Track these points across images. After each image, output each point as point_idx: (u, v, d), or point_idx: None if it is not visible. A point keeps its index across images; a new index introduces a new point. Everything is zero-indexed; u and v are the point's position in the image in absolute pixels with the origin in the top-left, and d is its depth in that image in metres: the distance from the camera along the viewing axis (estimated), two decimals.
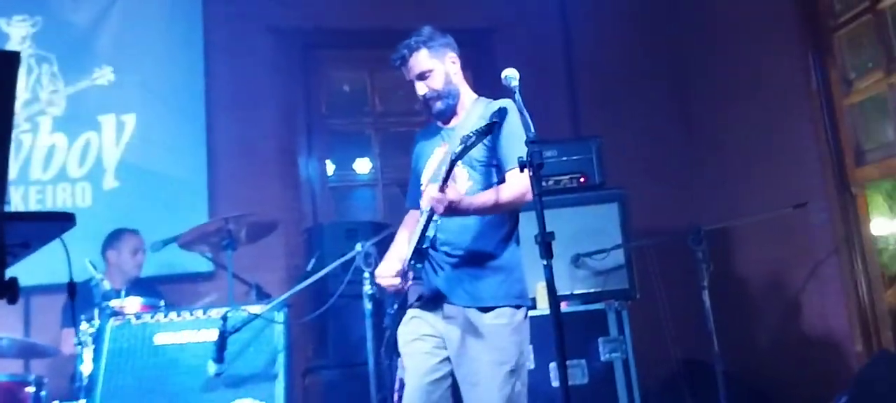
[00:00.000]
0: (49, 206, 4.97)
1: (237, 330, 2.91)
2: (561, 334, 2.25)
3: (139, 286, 4.67)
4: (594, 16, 5.92)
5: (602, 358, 4.22)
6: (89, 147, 5.16)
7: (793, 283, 4.90)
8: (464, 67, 6.19)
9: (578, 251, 4.37)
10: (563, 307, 4.26)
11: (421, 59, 2.94)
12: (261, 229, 4.22)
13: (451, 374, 2.87)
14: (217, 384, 3.07)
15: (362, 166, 6.02)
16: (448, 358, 2.88)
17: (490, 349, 2.79)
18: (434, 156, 3.02)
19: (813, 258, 4.76)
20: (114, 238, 4.65)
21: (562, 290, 4.24)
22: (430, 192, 2.69)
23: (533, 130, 2.48)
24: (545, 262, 2.31)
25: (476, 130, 2.49)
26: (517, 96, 2.67)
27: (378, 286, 3.37)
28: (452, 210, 2.70)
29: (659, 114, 5.87)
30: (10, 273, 1.49)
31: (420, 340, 2.91)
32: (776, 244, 4.95)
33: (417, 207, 3.09)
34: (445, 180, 2.63)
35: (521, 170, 2.62)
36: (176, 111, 5.30)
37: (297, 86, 5.68)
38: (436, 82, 2.95)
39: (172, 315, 3.24)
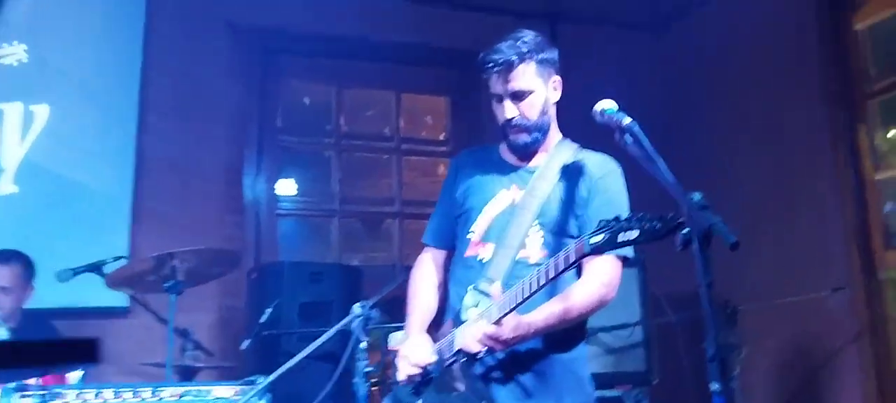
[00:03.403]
0: None
1: None
2: None
3: (32, 325, 3.68)
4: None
5: None
6: None
7: (807, 370, 4.41)
8: (446, 90, 5.41)
9: (592, 324, 3.69)
10: None
11: (527, 74, 2.21)
12: (212, 267, 3.32)
13: None
14: None
15: (290, 188, 5.14)
16: None
17: None
18: (498, 200, 2.27)
19: (830, 344, 4.28)
20: None
21: None
22: (477, 329, 2.02)
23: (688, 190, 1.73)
24: (717, 386, 1.59)
25: (644, 226, 1.71)
26: (629, 141, 1.96)
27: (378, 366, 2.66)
28: (512, 346, 2.07)
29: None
30: None
31: None
32: (790, 326, 4.46)
33: (442, 246, 2.44)
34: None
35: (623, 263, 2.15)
36: (102, 109, 4.36)
37: (251, 92, 4.80)
38: (532, 110, 2.23)
39: (107, 394, 2.30)
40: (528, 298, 1.96)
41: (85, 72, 4.34)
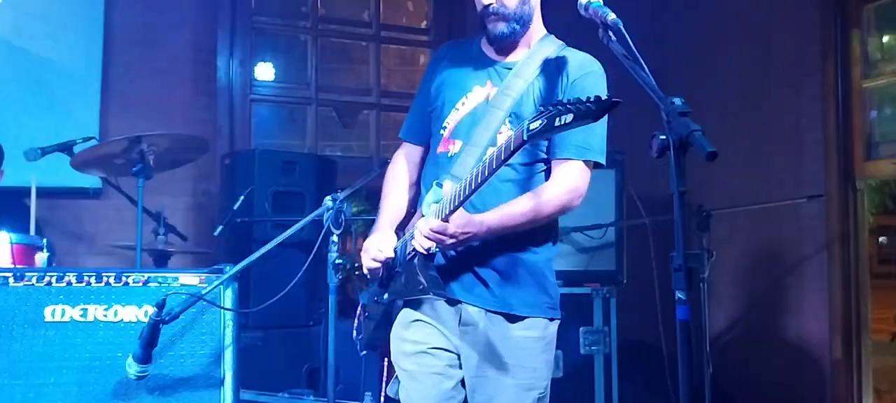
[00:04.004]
0: None
1: (175, 316, 2.02)
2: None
3: (4, 203, 3.62)
4: None
5: (581, 351, 3.64)
6: None
7: (775, 276, 4.47)
8: None
9: (566, 223, 3.69)
10: None
11: None
12: (182, 153, 3.25)
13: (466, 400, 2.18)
14: (137, 391, 2.16)
15: (265, 72, 5.00)
16: (462, 380, 2.16)
17: (518, 369, 2.14)
18: (472, 96, 2.19)
19: (801, 251, 4.33)
20: None
21: None
22: (425, 225, 1.97)
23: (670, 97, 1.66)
24: (682, 295, 1.58)
25: (576, 107, 1.62)
26: (613, 40, 1.88)
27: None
28: (463, 244, 2.01)
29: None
30: None
31: (429, 354, 2.18)
32: (762, 232, 4.49)
33: (418, 142, 2.36)
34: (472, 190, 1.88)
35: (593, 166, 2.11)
36: None
37: None
38: None
39: (72, 277, 2.26)
40: (473, 191, 1.87)
41: None
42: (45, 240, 2.80)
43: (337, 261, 2.69)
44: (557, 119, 1.66)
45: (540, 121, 1.69)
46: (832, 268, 4.20)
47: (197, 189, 4.45)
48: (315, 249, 2.48)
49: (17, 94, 4.03)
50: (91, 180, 4.05)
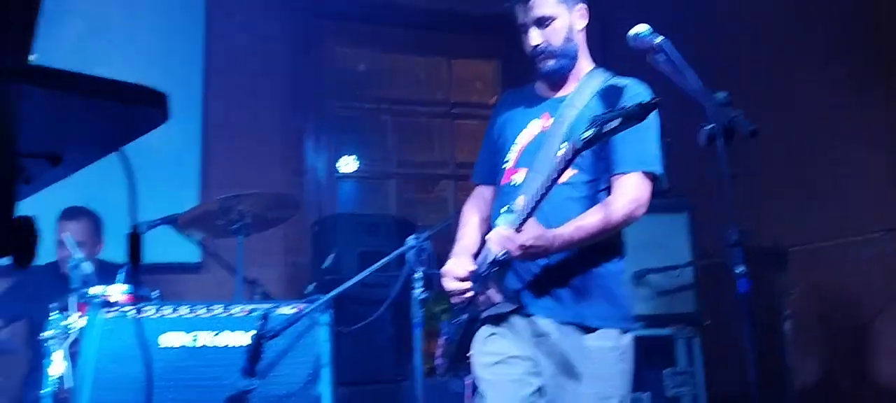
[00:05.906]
0: None
1: (276, 334, 2.22)
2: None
3: (106, 274, 3.94)
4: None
5: (667, 394, 3.64)
6: None
7: (859, 312, 4.37)
8: (495, 55, 5.39)
9: (642, 266, 3.77)
10: None
11: (548, 1, 2.30)
12: (275, 212, 3.52)
13: None
14: None
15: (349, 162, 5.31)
16: (540, 388, 2.26)
17: (594, 379, 2.22)
18: (529, 129, 2.39)
19: (885, 292, 4.24)
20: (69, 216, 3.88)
21: None
22: (498, 234, 2.12)
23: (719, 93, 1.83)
24: (742, 268, 1.69)
25: (621, 111, 1.82)
26: (661, 59, 2.06)
27: (434, 289, 2.81)
28: (535, 256, 2.14)
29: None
30: None
31: (505, 364, 2.28)
32: (842, 268, 4.42)
33: (489, 182, 2.54)
34: (540, 201, 2.03)
35: (653, 181, 2.22)
36: (168, 74, 4.55)
37: (308, 58, 5.01)
38: (556, 35, 2.32)
39: (184, 310, 2.51)
40: (541, 199, 2.03)
41: (151, 40, 4.57)
42: (156, 291, 3.07)
43: (422, 297, 2.87)
44: (605, 124, 1.84)
45: (591, 131, 1.87)
46: None
47: (287, 260, 4.71)
48: (400, 284, 2.65)
49: (122, 180, 4.40)
50: (190, 254, 4.35)
